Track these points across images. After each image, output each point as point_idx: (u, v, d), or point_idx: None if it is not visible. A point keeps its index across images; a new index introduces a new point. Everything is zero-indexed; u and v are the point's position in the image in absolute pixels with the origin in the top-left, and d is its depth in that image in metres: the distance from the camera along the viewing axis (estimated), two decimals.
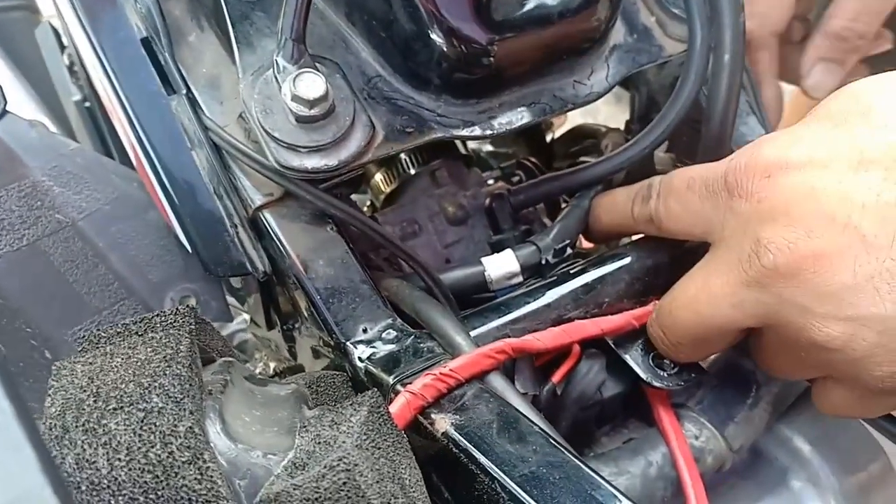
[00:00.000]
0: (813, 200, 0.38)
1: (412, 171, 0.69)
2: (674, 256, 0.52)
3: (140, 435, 0.31)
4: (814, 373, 0.44)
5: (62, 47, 1.01)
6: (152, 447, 0.30)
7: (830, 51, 0.69)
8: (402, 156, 0.68)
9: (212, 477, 0.30)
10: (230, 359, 0.42)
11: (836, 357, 0.39)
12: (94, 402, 0.33)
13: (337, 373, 0.45)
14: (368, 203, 0.77)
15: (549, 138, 0.79)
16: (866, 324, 0.37)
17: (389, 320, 0.46)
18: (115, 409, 0.32)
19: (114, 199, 0.58)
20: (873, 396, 0.41)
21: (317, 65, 0.46)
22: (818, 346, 0.39)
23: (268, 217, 0.47)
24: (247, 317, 0.70)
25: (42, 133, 0.60)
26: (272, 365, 0.61)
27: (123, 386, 0.33)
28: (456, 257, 0.67)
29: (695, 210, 0.45)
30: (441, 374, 0.39)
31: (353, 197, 0.73)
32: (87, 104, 0.96)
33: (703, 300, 0.43)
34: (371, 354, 0.44)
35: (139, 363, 0.35)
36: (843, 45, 0.69)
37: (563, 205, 0.75)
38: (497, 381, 0.41)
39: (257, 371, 0.62)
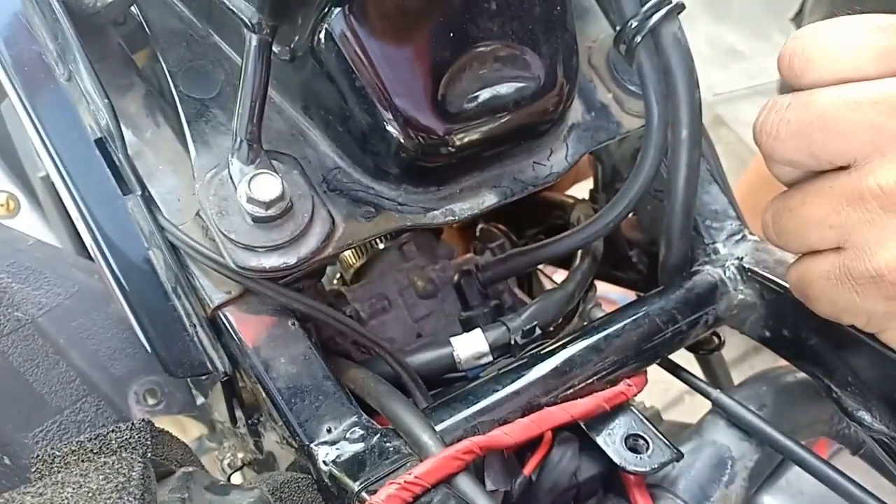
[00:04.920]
0: None
1: (381, 246, 0.69)
2: (643, 334, 0.51)
3: None
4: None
5: None
6: None
7: None
8: None
9: None
10: (190, 469, 0.41)
11: None
12: None
13: (302, 476, 0.44)
14: (338, 275, 0.76)
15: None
16: None
17: (354, 418, 0.45)
18: None
19: (74, 292, 0.57)
20: None
21: (274, 162, 0.45)
22: None
23: (227, 316, 0.46)
24: None
25: None
26: (240, 455, 0.60)
27: None
28: (427, 330, 0.67)
29: None
30: (406, 482, 0.38)
31: None
32: None
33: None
34: (336, 457, 0.43)
35: (90, 494, 0.34)
36: None
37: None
38: (465, 485, 0.40)
39: (226, 462, 0.61)
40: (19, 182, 1.12)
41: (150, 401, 0.57)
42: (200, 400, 0.76)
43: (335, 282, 0.77)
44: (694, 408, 0.58)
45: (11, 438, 0.53)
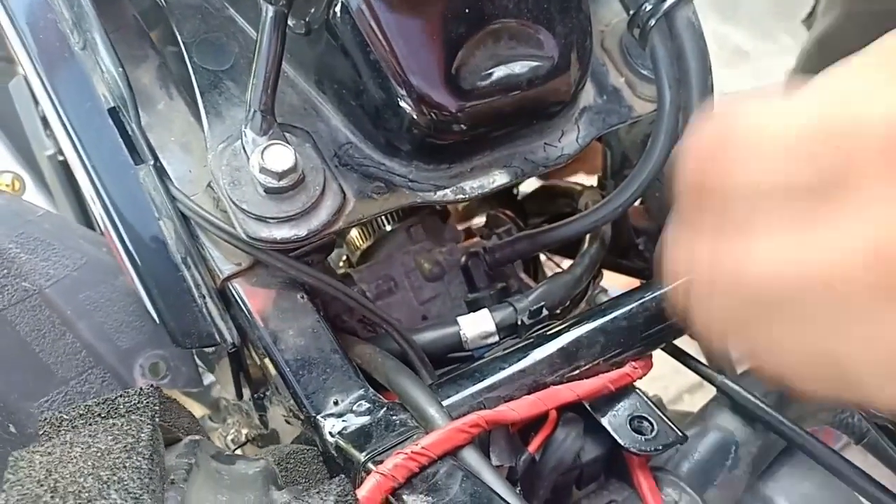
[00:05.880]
0: None
1: (388, 228, 0.69)
2: (650, 318, 0.51)
3: None
4: None
5: (36, 101, 1.00)
6: None
7: None
8: None
9: None
10: (196, 437, 0.41)
11: None
12: (52, 498, 0.32)
13: (307, 447, 0.44)
14: (344, 258, 0.76)
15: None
16: None
17: (361, 391, 0.45)
18: None
19: (82, 264, 0.57)
20: None
21: (286, 134, 0.46)
22: None
23: (237, 287, 0.47)
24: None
25: (8, 199, 0.59)
26: (244, 431, 0.60)
27: (82, 480, 0.32)
28: (433, 313, 0.67)
29: None
30: (413, 452, 0.39)
31: None
32: (61, 158, 0.96)
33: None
34: (342, 429, 0.43)
35: (99, 454, 0.34)
36: None
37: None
38: (471, 457, 0.41)
39: (230, 438, 0.61)
40: (25, 163, 1.12)
41: (156, 375, 0.57)
42: (208, 379, 0.76)
43: (341, 264, 0.77)
44: (693, 407, 0.58)
45: (17, 407, 0.53)
